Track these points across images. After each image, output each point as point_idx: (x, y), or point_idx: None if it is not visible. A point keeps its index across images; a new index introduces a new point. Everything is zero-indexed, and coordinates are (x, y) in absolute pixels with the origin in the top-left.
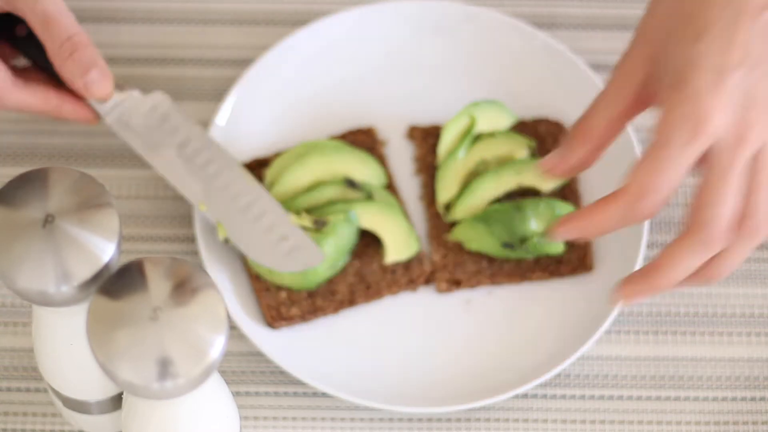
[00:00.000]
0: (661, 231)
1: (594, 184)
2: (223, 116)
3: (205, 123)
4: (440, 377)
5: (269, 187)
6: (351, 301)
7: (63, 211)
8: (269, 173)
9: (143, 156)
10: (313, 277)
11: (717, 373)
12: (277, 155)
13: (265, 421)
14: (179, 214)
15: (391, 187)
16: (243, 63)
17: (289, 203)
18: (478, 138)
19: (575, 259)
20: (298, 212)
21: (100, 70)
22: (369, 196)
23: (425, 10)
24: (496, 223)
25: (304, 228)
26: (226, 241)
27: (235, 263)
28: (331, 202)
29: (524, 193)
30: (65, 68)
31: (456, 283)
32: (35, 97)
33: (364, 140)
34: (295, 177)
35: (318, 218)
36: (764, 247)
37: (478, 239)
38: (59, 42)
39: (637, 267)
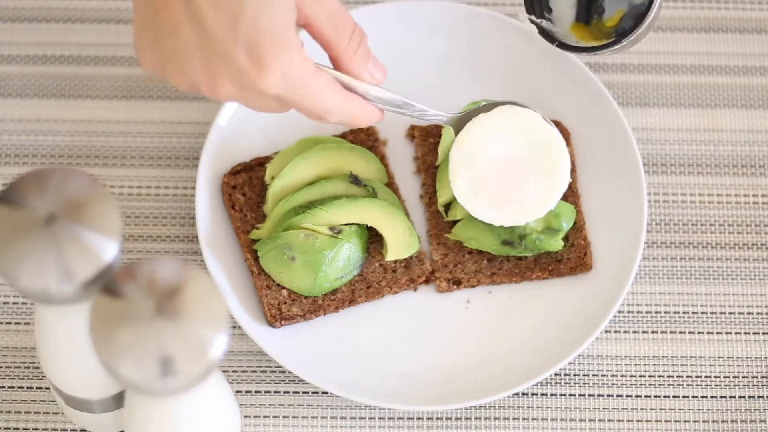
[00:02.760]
0: (660, 231)
1: (594, 183)
2: (225, 116)
3: (207, 123)
4: (440, 376)
5: (270, 181)
6: (352, 300)
7: (65, 211)
8: (270, 168)
9: None
10: (322, 286)
11: (715, 372)
12: (277, 154)
13: (265, 419)
14: (181, 213)
15: (391, 186)
16: None
17: (291, 196)
18: None
19: (574, 259)
20: (310, 217)
21: (373, 57)
22: (372, 193)
23: (425, 10)
24: None
25: (321, 234)
26: None
27: (236, 262)
28: (335, 197)
29: None
30: (354, 60)
31: (456, 283)
32: (346, 100)
33: (364, 139)
34: (298, 170)
35: (334, 226)
36: (763, 247)
37: (478, 237)
38: (348, 35)
39: (636, 266)
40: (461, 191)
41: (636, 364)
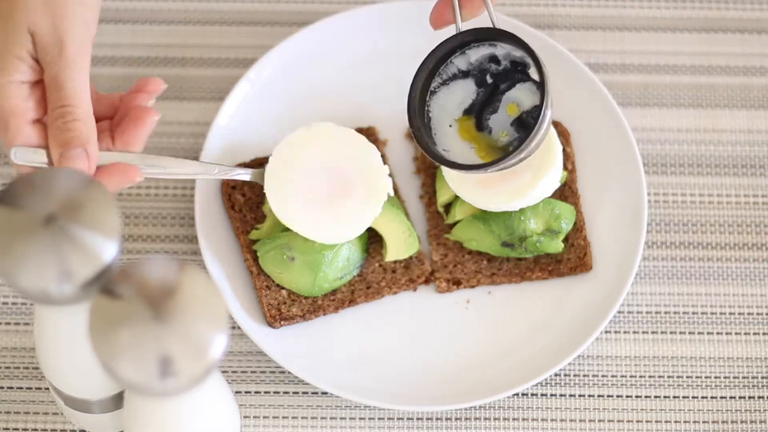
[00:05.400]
0: (660, 231)
1: (593, 183)
2: (224, 116)
3: (207, 123)
4: (440, 376)
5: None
6: (351, 301)
7: (64, 211)
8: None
9: None
10: (321, 286)
11: (715, 372)
12: None
13: (265, 419)
14: (181, 213)
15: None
16: (244, 63)
17: None
18: None
19: (574, 259)
20: None
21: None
22: None
23: (425, 11)
24: (496, 222)
25: None
26: None
27: (236, 262)
28: None
29: None
30: (50, 132)
31: (456, 283)
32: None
33: None
34: None
35: None
36: (763, 247)
37: (478, 238)
38: (53, 107)
39: (636, 266)
40: (450, 172)
41: (636, 365)
